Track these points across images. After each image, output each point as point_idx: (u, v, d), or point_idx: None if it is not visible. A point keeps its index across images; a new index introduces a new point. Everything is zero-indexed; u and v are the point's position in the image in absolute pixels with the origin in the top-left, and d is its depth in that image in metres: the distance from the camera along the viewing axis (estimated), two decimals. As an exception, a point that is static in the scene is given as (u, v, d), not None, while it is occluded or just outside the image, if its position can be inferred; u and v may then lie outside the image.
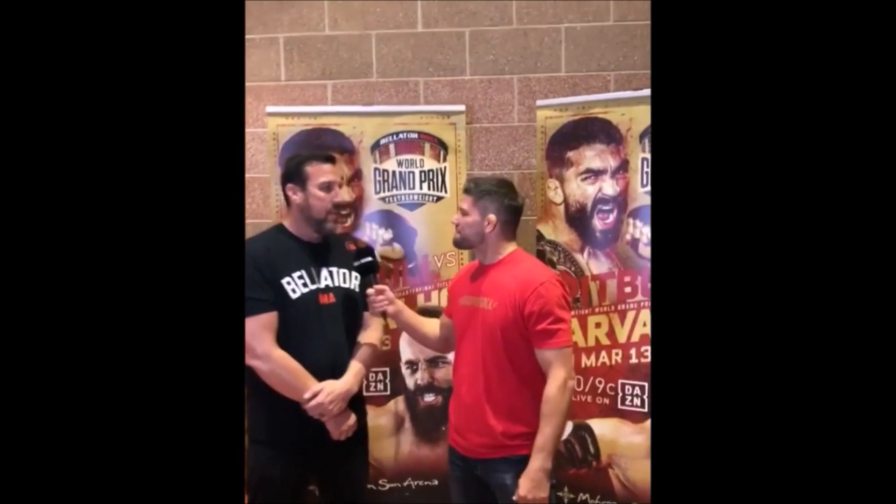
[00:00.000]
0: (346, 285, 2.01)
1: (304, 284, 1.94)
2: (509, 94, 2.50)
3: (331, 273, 1.99)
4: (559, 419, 1.74)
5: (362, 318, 2.06)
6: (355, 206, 2.36)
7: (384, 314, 1.94)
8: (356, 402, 2.02)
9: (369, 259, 1.95)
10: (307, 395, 1.85)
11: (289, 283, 1.92)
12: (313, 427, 1.89)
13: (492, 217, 1.84)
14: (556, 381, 1.73)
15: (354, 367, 1.95)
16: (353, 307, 2.02)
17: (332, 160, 1.97)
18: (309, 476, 2.08)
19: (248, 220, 2.50)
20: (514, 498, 1.74)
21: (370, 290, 1.92)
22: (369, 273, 1.97)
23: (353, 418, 1.95)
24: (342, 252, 2.05)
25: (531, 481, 1.71)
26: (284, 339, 1.90)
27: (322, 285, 1.97)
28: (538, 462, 1.72)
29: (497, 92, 2.50)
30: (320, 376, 1.90)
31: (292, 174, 1.98)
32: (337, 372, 1.93)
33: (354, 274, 2.03)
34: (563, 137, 2.26)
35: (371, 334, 2.05)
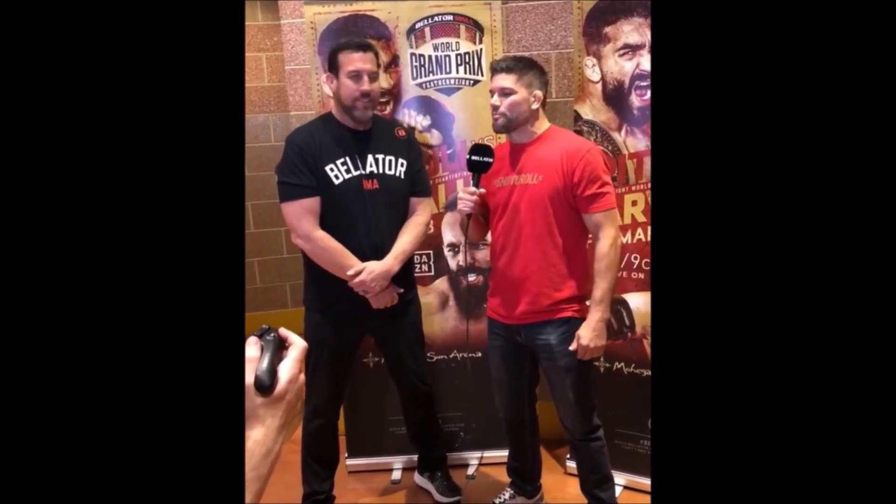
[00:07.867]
0: (391, 172, 2.07)
1: (347, 171, 2.03)
2: (546, -31, 2.42)
3: (376, 160, 2.06)
4: (613, 273, 1.85)
5: (409, 204, 2.13)
6: (393, 93, 2.40)
7: (468, 216, 1.93)
8: (405, 279, 2.16)
9: (489, 160, 1.91)
10: (350, 273, 2.00)
11: (332, 169, 2.01)
12: (359, 299, 2.05)
13: (538, 93, 1.87)
14: (608, 240, 1.83)
15: (395, 250, 2.06)
16: (397, 193, 2.08)
17: (363, 48, 1.98)
18: (360, 340, 2.27)
19: (291, 112, 2.58)
20: (572, 347, 1.86)
21: (469, 189, 1.90)
22: (481, 172, 1.92)
23: (394, 295, 2.10)
24: (389, 139, 2.09)
25: (593, 331, 1.84)
26: (329, 223, 2.01)
27: (366, 171, 2.04)
28: (598, 314, 1.84)
29: (533, -33, 2.42)
30: (364, 258, 2.02)
31: (330, 63, 2.02)
32: (380, 254, 2.04)
33: (400, 161, 2.08)
34: (600, 12, 2.20)
35: (417, 220, 2.13)
